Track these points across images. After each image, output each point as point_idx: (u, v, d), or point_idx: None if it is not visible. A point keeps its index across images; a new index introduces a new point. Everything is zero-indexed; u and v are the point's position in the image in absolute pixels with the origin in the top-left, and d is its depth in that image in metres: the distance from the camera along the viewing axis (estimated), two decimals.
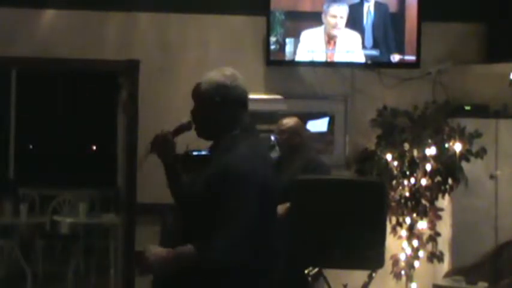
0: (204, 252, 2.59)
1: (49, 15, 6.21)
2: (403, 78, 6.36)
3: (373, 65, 6.29)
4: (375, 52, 6.23)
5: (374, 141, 6.16)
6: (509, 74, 5.95)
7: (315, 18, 6.16)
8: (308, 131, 5.85)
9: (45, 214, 8.49)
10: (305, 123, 5.65)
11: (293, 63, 6.25)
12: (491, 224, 6.05)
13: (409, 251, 6.08)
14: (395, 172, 6.02)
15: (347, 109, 6.44)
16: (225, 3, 6.33)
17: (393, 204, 5.98)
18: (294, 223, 4.56)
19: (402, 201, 6.02)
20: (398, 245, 6.09)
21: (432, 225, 6.06)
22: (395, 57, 6.25)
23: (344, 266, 4.72)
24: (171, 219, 2.87)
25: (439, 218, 6.05)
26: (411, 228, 6.06)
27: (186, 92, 2.97)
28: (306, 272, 4.75)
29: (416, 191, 6.01)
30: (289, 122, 5.30)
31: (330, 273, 4.81)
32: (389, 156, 6.03)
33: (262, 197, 2.70)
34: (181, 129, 2.96)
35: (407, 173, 6.01)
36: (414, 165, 6.00)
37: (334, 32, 6.17)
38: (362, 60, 6.24)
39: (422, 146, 5.99)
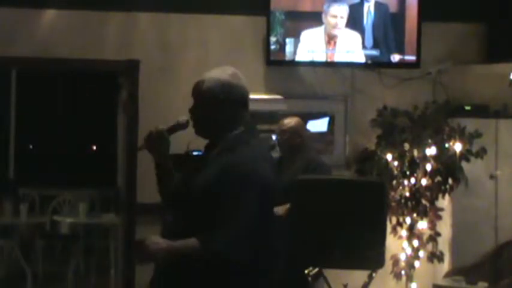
0: (206, 243, 2.59)
1: (49, 15, 6.20)
2: (403, 78, 6.36)
3: (373, 65, 6.29)
4: (375, 52, 6.23)
5: (374, 141, 6.16)
6: (509, 74, 5.95)
7: (315, 18, 6.16)
8: (308, 131, 5.85)
9: (45, 214, 8.48)
10: (305, 123, 5.64)
11: (293, 63, 6.25)
12: (491, 224, 6.05)
13: (409, 251, 6.09)
14: (395, 172, 6.02)
15: (347, 109, 6.44)
16: (225, 3, 6.33)
17: (393, 204, 5.98)
18: (294, 223, 4.56)
19: (402, 201, 6.02)
20: (398, 245, 6.09)
21: (432, 225, 6.06)
22: (396, 57, 6.25)
23: (344, 266, 4.72)
24: (171, 219, 2.85)
25: (439, 218, 6.05)
26: (411, 228, 6.06)
27: (186, 92, 2.96)
28: (306, 272, 4.75)
29: (416, 191, 6.01)
30: (290, 122, 5.31)
31: (330, 273, 4.81)
32: (389, 156, 6.03)
33: (263, 197, 2.70)
34: (177, 127, 2.92)
35: (408, 173, 6.01)
36: (414, 165, 6.00)
37: (335, 32, 6.17)
38: (362, 60, 6.24)
39: (422, 146, 5.99)
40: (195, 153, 4.53)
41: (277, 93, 6.36)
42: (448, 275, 5.92)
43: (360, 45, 6.20)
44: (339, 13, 6.15)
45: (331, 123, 6.45)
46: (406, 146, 6.00)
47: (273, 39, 6.15)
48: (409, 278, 6.07)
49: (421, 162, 5.99)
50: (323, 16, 6.15)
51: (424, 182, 5.99)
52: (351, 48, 6.20)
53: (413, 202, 6.01)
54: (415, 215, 6.04)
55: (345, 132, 6.44)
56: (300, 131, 5.33)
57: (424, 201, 6.01)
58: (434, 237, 6.05)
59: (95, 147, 15.24)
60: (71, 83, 12.01)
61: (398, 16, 6.24)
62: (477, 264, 5.86)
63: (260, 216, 2.69)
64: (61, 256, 8.52)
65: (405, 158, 6.01)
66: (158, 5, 6.28)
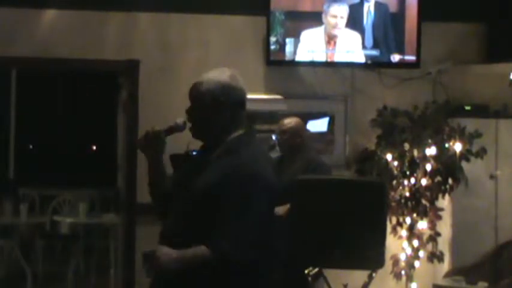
0: (215, 244, 2.58)
1: (49, 15, 6.20)
2: (403, 78, 6.36)
3: (373, 65, 6.29)
4: (375, 52, 6.23)
5: (374, 141, 6.16)
6: (509, 74, 5.95)
7: (315, 18, 6.16)
8: (308, 131, 5.85)
9: (45, 214, 8.49)
10: (305, 123, 5.65)
11: (293, 63, 6.25)
12: (491, 224, 6.05)
13: (409, 251, 6.09)
14: (395, 172, 6.02)
15: (347, 109, 6.44)
16: (225, 3, 6.33)
17: (393, 204, 5.98)
18: (294, 223, 4.56)
19: (402, 201, 6.02)
20: (398, 245, 6.09)
21: (432, 225, 6.06)
22: (396, 57, 6.25)
23: (344, 266, 4.72)
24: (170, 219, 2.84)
25: (439, 218, 6.05)
26: (411, 228, 6.06)
27: (186, 92, 2.94)
28: (306, 272, 4.74)
29: (416, 191, 6.01)
30: (290, 122, 5.31)
31: (330, 273, 4.81)
32: (389, 156, 6.03)
33: (266, 198, 2.71)
34: (175, 129, 2.89)
35: (408, 173, 6.01)
36: (414, 165, 6.00)
37: (335, 32, 6.17)
38: (362, 60, 6.24)
39: (422, 146, 5.99)
40: (194, 153, 4.53)
41: (277, 93, 6.36)
42: (448, 275, 5.92)
43: (360, 45, 6.20)
44: (339, 13, 6.15)
45: (331, 123, 6.45)
46: (406, 146, 6.01)
47: (273, 39, 6.15)
48: (409, 278, 6.07)
49: (421, 162, 5.99)
50: (323, 16, 6.15)
51: (424, 182, 5.99)
52: (351, 48, 6.20)
53: (413, 202, 6.01)
54: (415, 215, 6.04)
55: (345, 132, 6.44)
56: (300, 131, 5.33)
57: (424, 201, 6.01)
58: (434, 237, 6.05)
59: (95, 147, 15.24)
60: (71, 83, 12.01)
61: (398, 16, 6.24)
62: (477, 264, 5.86)
63: (263, 216, 2.69)
64: (61, 256, 8.52)
65: (405, 158, 6.01)
66: (158, 5, 6.28)
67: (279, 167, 5.13)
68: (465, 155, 5.90)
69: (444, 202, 6.07)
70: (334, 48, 6.19)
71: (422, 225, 6.07)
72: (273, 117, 6.17)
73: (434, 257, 6.07)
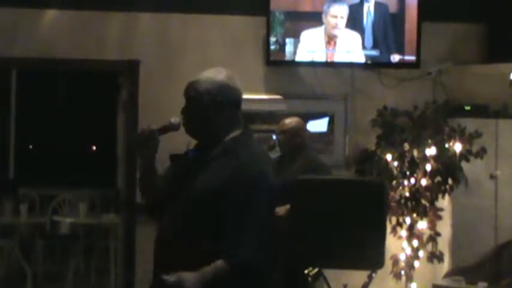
0: (233, 257, 2.57)
1: (49, 15, 6.20)
2: (403, 78, 6.36)
3: (373, 65, 6.29)
4: (375, 52, 6.23)
5: (374, 141, 6.16)
6: (509, 74, 5.95)
7: (315, 18, 6.15)
8: (308, 131, 5.85)
9: (45, 214, 8.47)
10: (305, 123, 5.65)
11: (293, 64, 6.25)
12: (491, 224, 6.05)
13: (409, 251, 6.08)
14: (395, 172, 6.02)
15: (347, 109, 6.44)
16: (225, 3, 6.33)
17: (393, 204, 5.97)
18: (295, 223, 4.56)
19: (402, 201, 6.02)
20: (398, 245, 6.09)
21: (432, 225, 6.06)
22: (396, 57, 6.25)
23: (344, 266, 4.72)
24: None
25: (439, 218, 6.05)
26: (411, 228, 6.06)
27: None
28: (306, 272, 4.75)
29: (416, 191, 6.01)
30: (290, 122, 5.31)
31: (330, 273, 4.81)
32: (389, 157, 6.03)
33: (270, 199, 2.72)
34: (169, 127, 2.86)
35: (408, 173, 6.01)
36: (414, 166, 6.00)
37: (335, 32, 6.17)
38: (362, 60, 6.24)
39: (422, 146, 5.99)
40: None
41: (277, 94, 6.36)
42: (448, 275, 5.92)
43: (360, 46, 6.20)
44: (339, 13, 6.15)
45: (331, 123, 6.45)
46: (406, 146, 6.00)
47: (273, 39, 6.15)
48: (409, 278, 6.06)
49: (421, 163, 5.99)
50: (323, 16, 6.15)
51: (424, 182, 5.99)
52: (351, 49, 6.20)
53: (413, 202, 6.01)
54: (415, 215, 6.04)
55: (345, 132, 6.44)
56: (300, 132, 5.34)
57: (424, 201, 6.01)
58: (434, 237, 6.05)
59: (95, 147, 15.24)
60: (71, 83, 12.00)
61: (398, 16, 6.23)
62: (477, 264, 5.86)
63: (266, 217, 2.69)
64: (61, 256, 8.52)
65: (405, 158, 6.00)
66: (158, 5, 6.28)
67: (279, 167, 5.13)
68: (465, 155, 5.90)
69: (444, 202, 6.07)
70: (334, 49, 6.19)
71: (422, 225, 6.07)
72: (273, 117, 6.17)
73: (434, 257, 6.06)
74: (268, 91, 6.35)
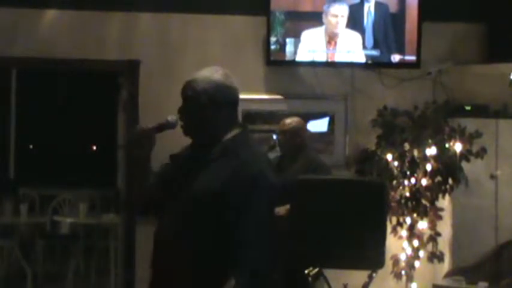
0: (243, 269, 2.57)
1: (49, 15, 6.20)
2: (403, 78, 6.36)
3: (374, 65, 6.29)
4: (375, 52, 6.23)
5: (374, 141, 6.16)
6: (509, 74, 5.95)
7: (315, 18, 6.15)
8: (308, 131, 5.85)
9: (45, 214, 8.48)
10: (305, 123, 5.64)
11: (293, 63, 6.25)
12: (491, 224, 6.05)
13: (409, 251, 6.08)
14: (395, 172, 6.02)
15: (347, 109, 6.44)
16: (225, 3, 6.33)
17: (393, 204, 5.97)
18: (295, 223, 4.56)
19: (402, 201, 6.02)
20: (398, 245, 6.08)
21: (432, 225, 6.06)
22: (396, 57, 6.25)
23: (344, 266, 4.72)
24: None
25: (440, 218, 6.05)
26: (411, 228, 6.06)
27: None
28: (306, 272, 4.75)
29: (416, 191, 6.01)
30: (291, 122, 5.31)
31: (330, 273, 4.81)
32: (389, 156, 6.03)
33: (271, 199, 2.72)
34: (166, 126, 2.83)
35: (408, 173, 6.01)
36: (414, 165, 6.00)
37: (336, 31, 6.17)
38: (362, 60, 6.24)
39: (422, 146, 5.99)
40: None
41: (278, 94, 6.36)
42: (448, 275, 5.92)
43: (360, 46, 6.19)
44: (339, 12, 6.15)
45: (331, 123, 6.45)
46: (406, 146, 6.01)
47: (273, 39, 6.15)
48: (409, 278, 6.06)
49: (421, 162, 5.99)
50: (323, 16, 6.14)
51: (424, 182, 5.99)
52: (352, 49, 6.20)
53: (414, 202, 6.01)
54: (415, 215, 6.04)
55: (345, 132, 6.44)
56: (300, 132, 5.33)
57: (424, 201, 6.01)
58: (434, 237, 6.05)
59: (95, 147, 15.24)
60: (71, 83, 12.01)
61: (399, 16, 6.23)
62: (477, 264, 5.86)
63: (266, 217, 2.69)
64: (61, 256, 8.52)
65: (405, 158, 6.00)
66: (158, 5, 6.28)
67: (279, 167, 5.14)
68: (465, 155, 5.90)
69: (444, 202, 6.07)
70: (335, 48, 6.19)
71: (423, 225, 6.06)
72: (273, 117, 6.17)
73: (435, 257, 6.06)
74: (268, 91, 6.35)
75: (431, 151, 5.97)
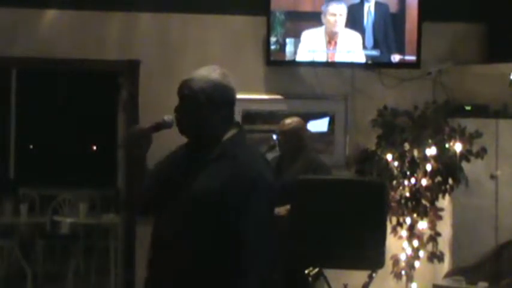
0: (245, 270, 2.59)
1: (49, 15, 6.20)
2: (403, 78, 6.36)
3: (374, 65, 6.29)
4: (375, 52, 6.23)
5: (374, 141, 6.16)
6: (509, 74, 5.95)
7: (315, 18, 6.15)
8: (308, 131, 5.84)
9: (45, 214, 8.48)
10: (305, 123, 5.64)
11: (293, 63, 6.24)
12: (491, 224, 6.05)
13: (409, 251, 6.08)
14: (395, 172, 6.01)
15: (347, 109, 6.44)
16: (225, 3, 6.33)
17: (393, 204, 5.97)
18: (295, 223, 4.56)
19: (402, 201, 6.02)
20: (398, 245, 6.08)
21: (432, 225, 6.06)
22: (396, 57, 6.25)
23: (344, 266, 4.72)
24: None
25: (440, 218, 6.05)
26: (411, 228, 6.06)
27: None
28: (306, 272, 4.75)
29: (416, 191, 6.01)
30: (291, 122, 5.31)
31: (330, 273, 4.81)
32: (389, 156, 6.03)
33: (270, 200, 2.72)
34: (163, 125, 2.81)
35: (408, 173, 6.01)
36: (414, 166, 5.99)
37: (335, 30, 6.17)
38: (362, 60, 6.24)
39: (422, 146, 5.99)
40: None
41: (278, 94, 6.36)
42: (448, 275, 5.92)
43: (361, 46, 6.19)
44: (337, 11, 6.14)
45: (331, 123, 6.45)
46: (406, 146, 6.00)
47: (273, 39, 6.15)
48: (409, 278, 6.06)
49: (421, 162, 5.99)
50: (322, 16, 6.14)
51: (424, 182, 5.99)
52: (352, 49, 6.20)
53: (414, 202, 6.01)
54: (415, 215, 6.04)
55: (345, 132, 6.44)
56: (300, 132, 5.33)
57: (424, 202, 6.01)
58: (434, 237, 6.05)
59: (95, 147, 15.24)
60: (71, 83, 12.01)
61: (399, 16, 6.23)
62: (477, 264, 5.86)
63: (266, 217, 2.70)
64: (61, 256, 8.52)
65: (405, 158, 6.00)
66: (158, 5, 6.28)
67: (279, 167, 5.14)
68: (465, 155, 5.90)
69: (444, 202, 6.07)
70: (335, 48, 6.19)
71: (423, 225, 6.06)
72: (273, 117, 6.17)
73: (435, 257, 6.06)
74: (268, 91, 6.35)
75: (431, 151, 5.97)
